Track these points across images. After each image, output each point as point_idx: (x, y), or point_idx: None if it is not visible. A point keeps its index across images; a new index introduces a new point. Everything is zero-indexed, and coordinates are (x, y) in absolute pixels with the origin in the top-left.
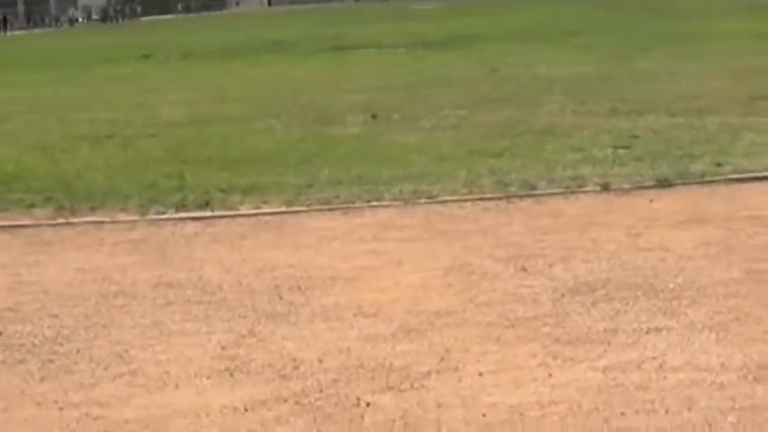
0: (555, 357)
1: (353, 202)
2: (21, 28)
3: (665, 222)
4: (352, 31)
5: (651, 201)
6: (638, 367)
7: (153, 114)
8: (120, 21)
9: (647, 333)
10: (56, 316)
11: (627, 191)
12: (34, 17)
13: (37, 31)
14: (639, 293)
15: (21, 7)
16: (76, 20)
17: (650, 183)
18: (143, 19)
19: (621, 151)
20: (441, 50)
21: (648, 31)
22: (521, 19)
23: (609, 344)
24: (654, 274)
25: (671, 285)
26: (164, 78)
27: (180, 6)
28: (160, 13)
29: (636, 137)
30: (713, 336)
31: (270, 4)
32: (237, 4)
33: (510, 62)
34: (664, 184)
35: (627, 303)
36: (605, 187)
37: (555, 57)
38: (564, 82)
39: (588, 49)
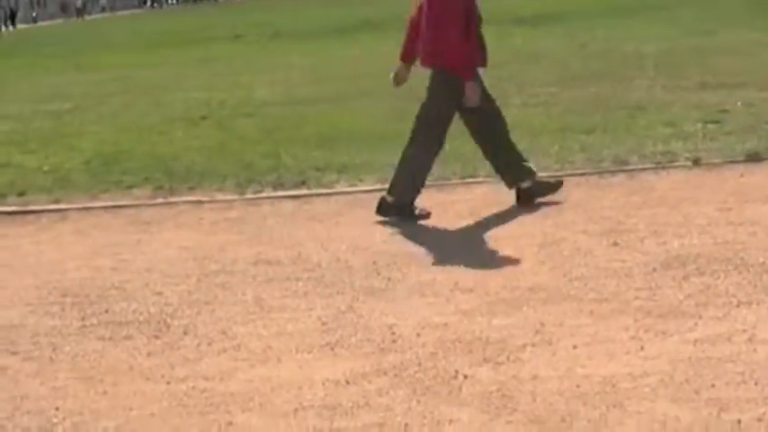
0: (647, 330)
1: (448, 179)
2: (102, 10)
3: (755, 197)
4: None
5: (742, 175)
6: (729, 340)
7: (247, 95)
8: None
9: (738, 306)
10: (160, 293)
11: (717, 165)
12: None
13: (123, 12)
14: (730, 267)
15: None
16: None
17: (740, 157)
18: None
19: (711, 126)
20: (529, 27)
21: (735, 3)
22: None
23: (700, 317)
24: (744, 249)
25: (761, 260)
26: (256, 58)
27: None
28: None
29: (725, 111)
30: None
31: None
32: None
33: (598, 37)
34: (754, 158)
35: (718, 277)
36: (696, 162)
37: (643, 31)
38: (652, 57)
39: (675, 22)
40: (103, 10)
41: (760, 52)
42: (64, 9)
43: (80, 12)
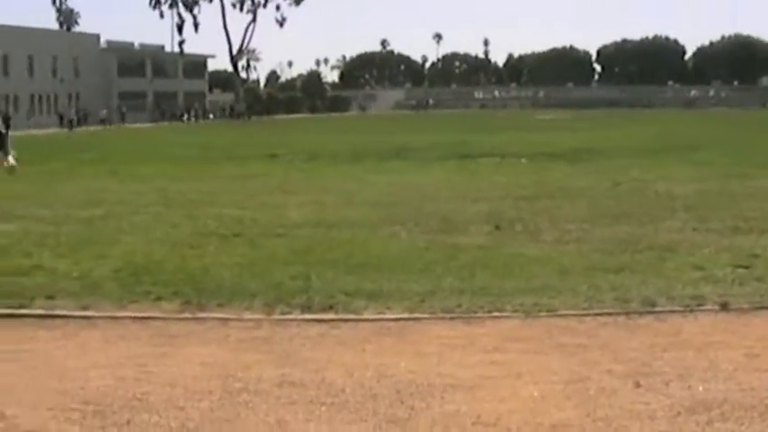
0: None
1: (475, 312)
2: (150, 120)
3: None
4: (476, 140)
5: None
6: None
7: (279, 215)
8: (247, 119)
9: None
10: (182, 408)
11: (746, 311)
12: (162, 109)
13: (164, 124)
14: (755, 414)
15: (150, 99)
16: (204, 115)
17: None
18: (270, 117)
19: (741, 270)
20: (563, 162)
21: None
22: (641, 133)
23: None
24: None
25: None
26: (290, 179)
27: (306, 107)
28: (286, 112)
29: (756, 256)
30: None
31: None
32: (364, 109)
33: (632, 176)
34: None
35: (742, 424)
36: (724, 307)
37: (676, 172)
38: (685, 198)
39: (709, 165)
40: (102, 122)
41: None
42: (61, 119)
43: (71, 123)
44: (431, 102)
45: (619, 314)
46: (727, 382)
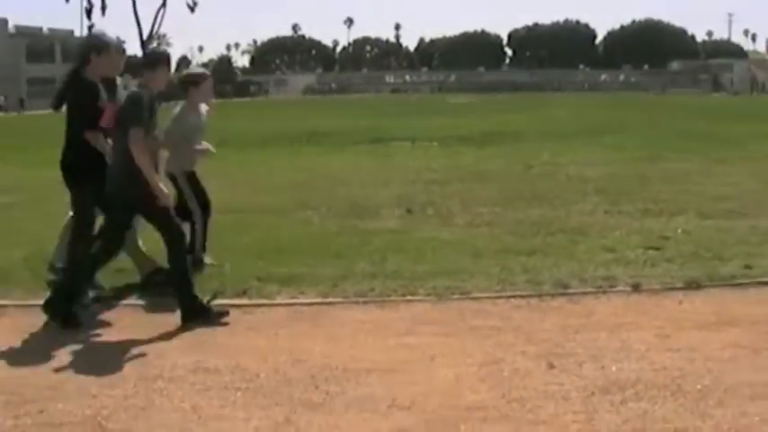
0: None
1: (388, 296)
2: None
3: (694, 324)
4: (388, 124)
5: (681, 302)
6: None
7: None
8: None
9: None
10: (95, 396)
11: (657, 292)
12: None
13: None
14: (668, 393)
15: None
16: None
17: (680, 284)
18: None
19: (652, 252)
20: (474, 146)
21: (682, 131)
22: (551, 116)
23: None
24: (682, 375)
25: (698, 386)
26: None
27: (215, 92)
28: None
29: (666, 238)
30: None
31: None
32: (267, 92)
33: (543, 160)
34: (693, 285)
35: (655, 403)
36: (636, 288)
37: (588, 156)
38: (596, 181)
39: (621, 148)
40: (1, 108)
41: (701, 180)
42: None
43: None
44: (333, 86)
45: (531, 296)
46: (640, 362)
